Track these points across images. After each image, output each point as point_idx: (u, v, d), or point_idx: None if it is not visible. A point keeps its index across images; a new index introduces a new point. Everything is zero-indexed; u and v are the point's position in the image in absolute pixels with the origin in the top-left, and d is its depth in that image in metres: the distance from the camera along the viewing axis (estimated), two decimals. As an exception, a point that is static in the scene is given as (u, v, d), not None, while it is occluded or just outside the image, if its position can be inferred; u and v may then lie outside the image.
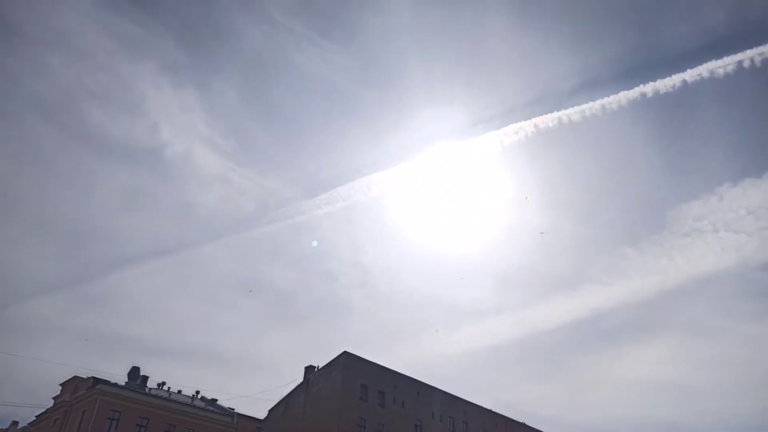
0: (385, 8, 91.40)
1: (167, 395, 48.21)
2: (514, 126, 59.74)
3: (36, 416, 48.12)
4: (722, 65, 49.20)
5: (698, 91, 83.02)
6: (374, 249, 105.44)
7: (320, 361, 48.30)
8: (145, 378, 49.63)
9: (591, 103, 55.26)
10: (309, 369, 49.28)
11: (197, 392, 52.40)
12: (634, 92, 52.96)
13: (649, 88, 52.40)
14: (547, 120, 58.20)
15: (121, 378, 46.34)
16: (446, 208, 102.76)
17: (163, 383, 50.66)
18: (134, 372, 48.69)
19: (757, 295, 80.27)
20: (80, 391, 43.61)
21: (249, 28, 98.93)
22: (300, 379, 49.69)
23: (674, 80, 52.06)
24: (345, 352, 46.05)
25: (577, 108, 56.00)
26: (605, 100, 54.06)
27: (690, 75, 50.30)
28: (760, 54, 47.55)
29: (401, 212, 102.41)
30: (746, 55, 48.41)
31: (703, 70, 50.24)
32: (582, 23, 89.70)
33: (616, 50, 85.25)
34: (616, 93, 54.38)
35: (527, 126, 59.75)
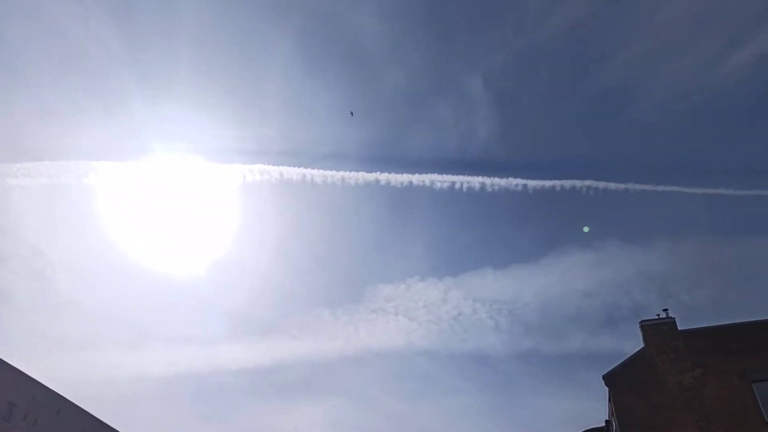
0: (181, 6, 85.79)
1: None
2: (260, 167, 60.33)
3: None
4: (440, 180, 58.63)
5: (420, 194, 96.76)
6: (68, 243, 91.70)
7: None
8: None
9: (334, 172, 59.57)
10: None
11: None
12: (371, 176, 59.00)
13: (384, 177, 59.05)
14: (293, 172, 60.50)
15: None
16: (168, 224, 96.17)
17: None
18: None
19: (411, 377, 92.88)
20: None
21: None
22: None
23: (404, 178, 59.70)
24: (-21, 348, 38.07)
25: (321, 171, 59.70)
26: (346, 174, 58.96)
27: (416, 178, 58.46)
28: (467, 182, 58.06)
29: (117, 214, 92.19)
30: (458, 179, 58.84)
31: (426, 178, 58.97)
32: (353, 101, 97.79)
33: (369, 137, 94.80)
34: (357, 172, 59.80)
35: (274, 171, 61.04)
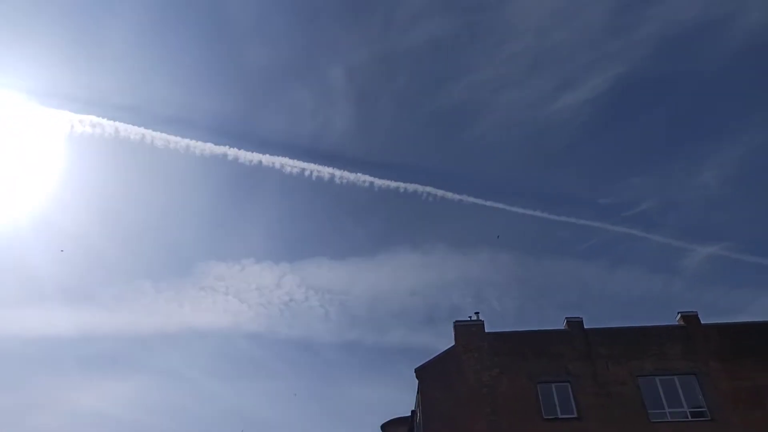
0: None
1: None
2: (93, 118, 54.34)
3: None
4: (291, 164, 58.03)
5: (268, 175, 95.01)
6: None
7: None
8: None
9: (179, 138, 55.84)
10: None
11: None
12: (219, 149, 56.43)
13: (232, 152, 56.82)
14: (131, 131, 55.51)
15: None
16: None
17: None
18: None
19: (233, 359, 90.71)
20: None
21: None
22: None
23: (254, 157, 58.06)
24: None
25: (164, 135, 55.60)
26: (192, 142, 55.63)
27: (267, 159, 57.12)
28: (317, 170, 58.21)
29: None
30: (308, 166, 58.80)
31: (277, 161, 57.99)
32: (209, 69, 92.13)
33: (222, 109, 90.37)
34: (204, 142, 57.00)
35: (108, 125, 55.38)
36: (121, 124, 56.05)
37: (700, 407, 20.92)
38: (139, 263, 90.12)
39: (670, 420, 20.73)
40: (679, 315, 23.40)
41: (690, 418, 20.79)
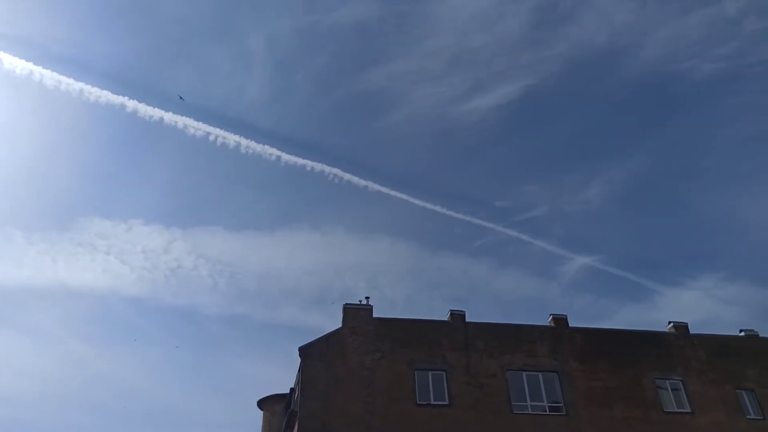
0: None
1: None
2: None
3: None
4: (195, 126, 55.79)
5: (169, 134, 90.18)
6: None
7: None
8: None
9: (72, 81, 51.44)
10: None
11: None
12: (117, 99, 52.71)
13: (132, 104, 53.42)
14: (18, 65, 50.35)
15: None
16: None
17: None
18: None
19: (107, 322, 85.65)
20: None
21: None
22: None
23: (156, 113, 54.96)
24: None
25: (56, 75, 51.02)
26: (87, 87, 51.47)
27: (169, 117, 54.23)
28: (223, 137, 56.46)
29: None
30: (214, 131, 56.79)
31: (180, 120, 55.32)
32: (118, 12, 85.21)
33: (126, 56, 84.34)
34: (101, 89, 52.89)
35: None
36: (7, 55, 50.81)
37: (558, 402, 22.78)
38: (10, 210, 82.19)
39: (530, 412, 22.38)
40: (551, 317, 25.24)
41: (547, 412, 22.57)
